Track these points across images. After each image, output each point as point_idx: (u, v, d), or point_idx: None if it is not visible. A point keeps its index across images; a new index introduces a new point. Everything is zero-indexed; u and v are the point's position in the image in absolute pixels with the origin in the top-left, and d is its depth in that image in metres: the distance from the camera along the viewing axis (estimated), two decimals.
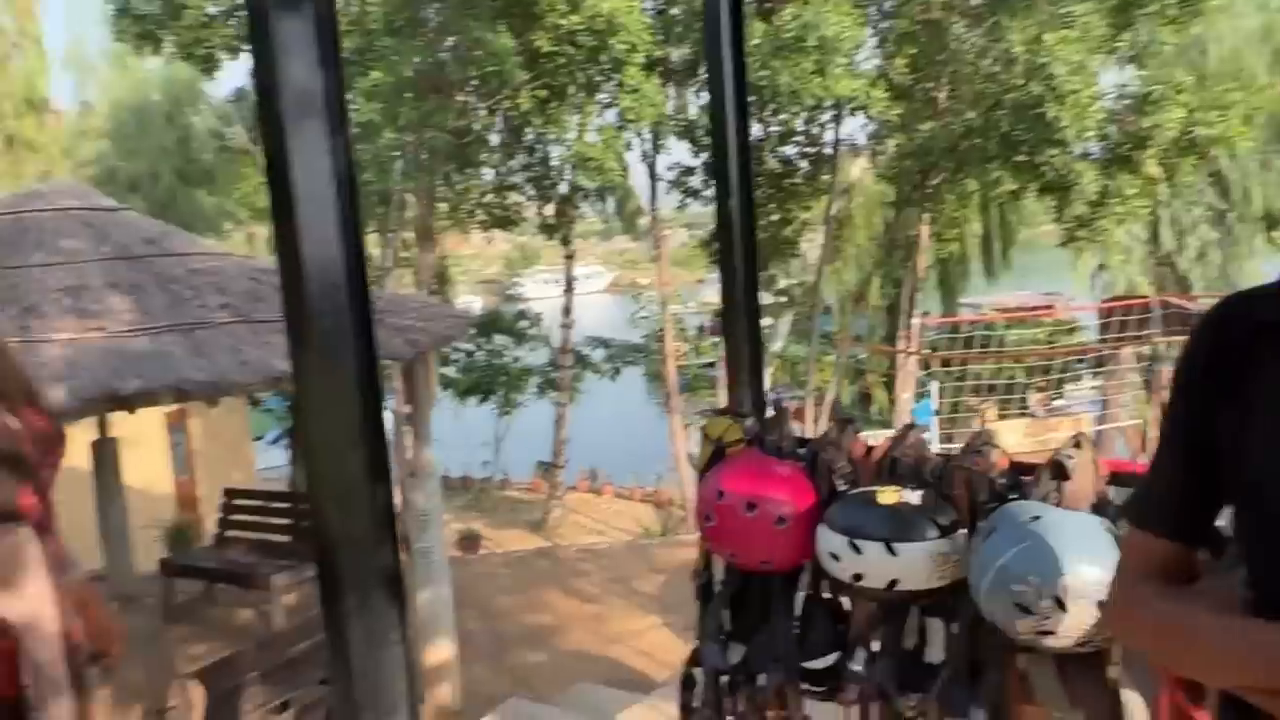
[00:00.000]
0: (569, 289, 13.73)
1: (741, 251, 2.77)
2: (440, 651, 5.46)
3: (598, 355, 16.26)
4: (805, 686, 1.95)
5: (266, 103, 1.69)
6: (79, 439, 7.31)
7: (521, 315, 17.12)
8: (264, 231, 15.51)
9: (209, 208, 20.06)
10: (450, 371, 15.14)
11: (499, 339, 16.13)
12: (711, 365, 17.94)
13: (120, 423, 7.27)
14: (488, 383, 15.47)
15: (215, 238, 17.97)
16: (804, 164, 11.26)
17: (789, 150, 11.21)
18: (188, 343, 4.06)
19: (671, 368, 12.35)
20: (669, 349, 12.19)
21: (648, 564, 8.57)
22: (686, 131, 11.50)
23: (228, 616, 7.15)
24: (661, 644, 6.55)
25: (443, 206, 10.80)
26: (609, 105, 9.90)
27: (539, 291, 30.10)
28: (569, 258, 13.71)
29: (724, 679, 2.08)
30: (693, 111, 11.45)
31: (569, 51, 8.95)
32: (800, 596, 2.00)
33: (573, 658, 6.45)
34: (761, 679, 1.97)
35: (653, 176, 11.91)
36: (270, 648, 4.51)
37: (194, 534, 10.08)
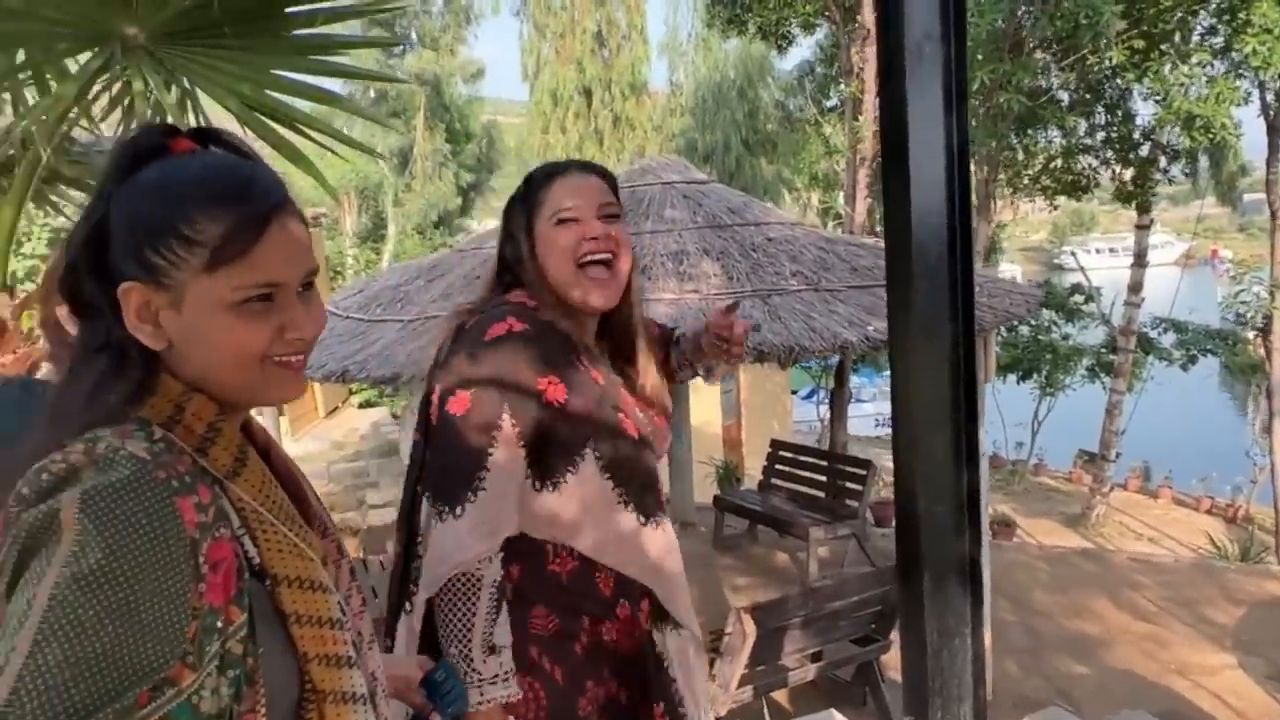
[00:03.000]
0: (1139, 262, 12.11)
1: None
2: None
3: (1167, 339, 14.15)
4: None
5: (889, 75, 1.70)
6: None
7: (1076, 289, 15.61)
8: (817, 200, 16.22)
9: (769, 175, 21.68)
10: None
11: (1046, 313, 14.91)
12: None
13: None
14: (1030, 360, 14.43)
15: (773, 204, 19.32)
16: None
17: None
18: (765, 307, 4.40)
19: (1278, 362, 10.21)
20: (1278, 340, 10.06)
21: (1222, 590, 7.32)
22: None
23: (766, 556, 7.74)
24: (1238, 689, 5.57)
25: (1001, 174, 10.22)
26: (1223, 50, 8.36)
27: (1091, 261, 27.14)
28: (1142, 227, 12.06)
29: None
30: None
31: None
32: None
33: (1120, 677, 5.79)
34: None
35: (1273, 131, 9.88)
36: (813, 597, 4.74)
37: (739, 475, 11.12)
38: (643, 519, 1.60)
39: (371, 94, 22.66)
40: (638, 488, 1.60)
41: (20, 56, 1.82)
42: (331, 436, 11.39)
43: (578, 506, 1.53)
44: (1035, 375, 14.61)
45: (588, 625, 1.59)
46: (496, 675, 1.45)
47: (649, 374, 1.69)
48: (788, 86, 18.20)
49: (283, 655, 0.84)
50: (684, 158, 13.26)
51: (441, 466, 1.50)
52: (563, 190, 1.59)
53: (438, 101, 24.25)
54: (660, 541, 1.63)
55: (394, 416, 12.14)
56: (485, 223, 24.69)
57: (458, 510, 1.44)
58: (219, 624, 0.77)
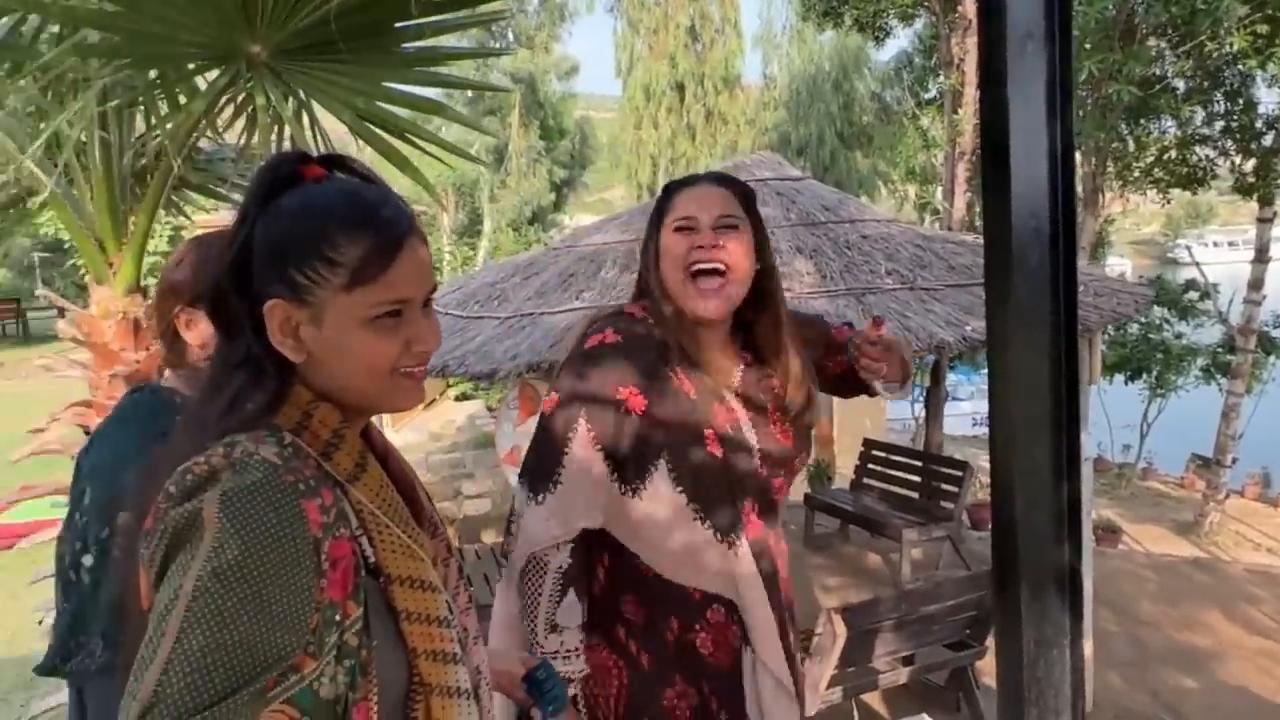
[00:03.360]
0: (1260, 257, 11.43)
1: None
2: None
3: None
4: None
5: (989, 75, 1.67)
6: None
7: (1190, 285, 14.82)
8: (914, 194, 15.86)
9: (864, 169, 21.30)
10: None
11: (1157, 310, 14.21)
12: None
13: None
14: (1140, 359, 13.80)
15: (867, 198, 18.99)
16: None
17: None
18: (859, 306, 4.34)
19: None
20: None
21: None
22: None
23: (858, 556, 7.64)
24: None
25: (1110, 166, 9.79)
26: None
27: (1208, 255, 25.70)
28: (1265, 220, 11.36)
29: None
30: None
31: None
32: None
33: (1233, 694, 5.52)
34: None
35: None
36: (906, 600, 4.66)
37: (830, 473, 10.99)
38: (717, 536, 1.57)
39: (468, 94, 23.13)
40: (714, 505, 1.57)
41: (152, 74, 1.97)
42: (429, 428, 11.71)
43: (655, 514, 1.56)
44: (1145, 375, 13.98)
45: (677, 627, 1.59)
46: (557, 651, 1.53)
47: (796, 388, 1.65)
48: (884, 78, 17.80)
49: (394, 649, 0.89)
50: (777, 151, 13.12)
51: (530, 455, 1.60)
52: (686, 199, 1.62)
53: (532, 99, 24.61)
54: (729, 562, 1.58)
55: (489, 409, 12.41)
56: (578, 218, 24.95)
57: (540, 497, 1.54)
58: (338, 617, 0.82)
